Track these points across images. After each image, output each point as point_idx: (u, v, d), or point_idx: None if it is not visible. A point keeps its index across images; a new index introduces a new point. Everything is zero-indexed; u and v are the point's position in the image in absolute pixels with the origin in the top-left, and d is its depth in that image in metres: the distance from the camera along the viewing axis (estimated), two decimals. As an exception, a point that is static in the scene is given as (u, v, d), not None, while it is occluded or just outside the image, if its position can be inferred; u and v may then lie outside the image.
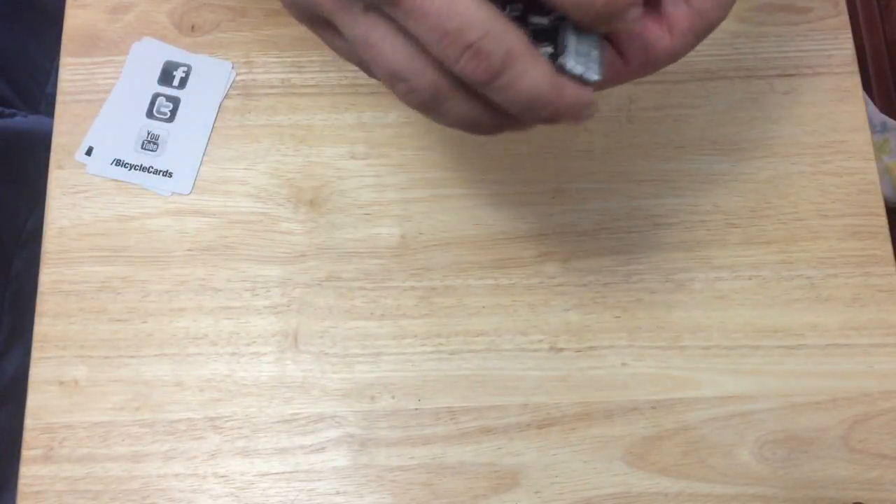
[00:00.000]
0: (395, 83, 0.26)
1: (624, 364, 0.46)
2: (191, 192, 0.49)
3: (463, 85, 0.26)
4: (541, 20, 0.27)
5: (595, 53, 0.27)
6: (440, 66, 0.25)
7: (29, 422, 0.45)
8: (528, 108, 0.26)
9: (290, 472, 0.44)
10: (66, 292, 0.47)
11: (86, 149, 0.50)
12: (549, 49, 0.27)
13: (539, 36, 0.27)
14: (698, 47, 0.49)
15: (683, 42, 0.31)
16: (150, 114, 0.50)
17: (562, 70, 0.27)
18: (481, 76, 0.25)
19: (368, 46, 0.25)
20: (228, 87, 0.51)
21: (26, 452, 0.45)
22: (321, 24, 0.27)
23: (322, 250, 0.48)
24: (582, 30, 0.27)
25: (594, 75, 0.27)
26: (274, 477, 0.44)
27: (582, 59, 0.27)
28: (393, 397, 0.46)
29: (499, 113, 0.27)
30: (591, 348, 0.46)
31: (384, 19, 0.25)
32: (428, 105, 0.26)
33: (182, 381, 0.46)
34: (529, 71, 0.25)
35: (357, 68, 0.29)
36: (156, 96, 0.51)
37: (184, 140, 0.50)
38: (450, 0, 0.24)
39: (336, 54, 0.29)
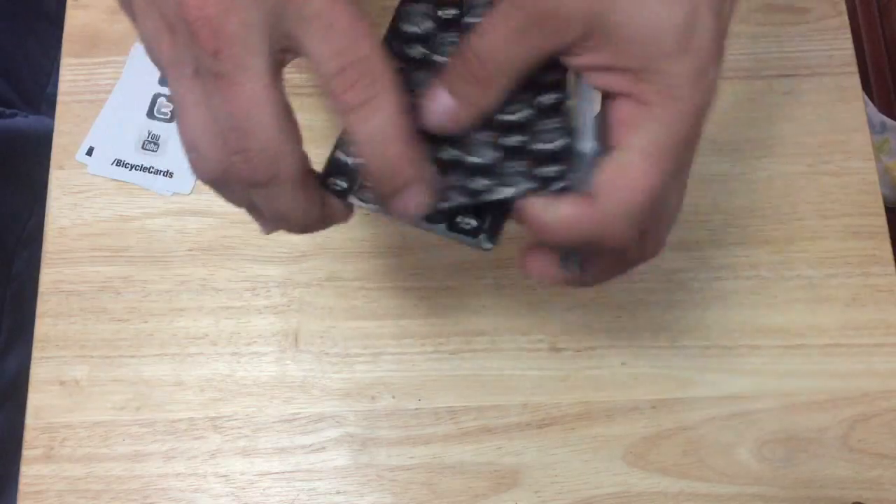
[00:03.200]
0: (189, 150, 0.27)
1: (624, 364, 0.46)
2: (191, 191, 0.49)
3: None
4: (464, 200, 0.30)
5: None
6: (233, 141, 0.26)
7: (30, 421, 0.45)
8: (275, 221, 0.29)
9: (291, 472, 0.44)
10: (66, 292, 0.47)
11: (86, 149, 0.50)
12: (343, 184, 0.30)
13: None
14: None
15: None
16: (150, 114, 0.50)
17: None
18: (241, 179, 0.27)
19: (181, 107, 0.27)
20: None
21: (27, 452, 0.45)
22: (161, 70, 0.28)
23: (322, 250, 0.48)
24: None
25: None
26: (274, 476, 0.44)
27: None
28: (393, 397, 0.46)
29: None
30: (591, 348, 0.46)
31: (203, 90, 0.26)
32: (210, 181, 0.28)
33: (182, 380, 0.46)
34: (284, 197, 0.27)
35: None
36: (156, 96, 0.51)
37: (184, 140, 0.50)
38: (254, 102, 0.25)
39: None
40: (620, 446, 0.45)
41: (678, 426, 0.45)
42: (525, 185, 0.29)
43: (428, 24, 0.32)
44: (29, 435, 0.45)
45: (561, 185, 0.29)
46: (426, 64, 0.31)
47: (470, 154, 0.30)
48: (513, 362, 0.46)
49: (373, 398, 0.46)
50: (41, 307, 0.47)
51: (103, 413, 0.45)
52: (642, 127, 0.28)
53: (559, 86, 0.30)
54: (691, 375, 0.46)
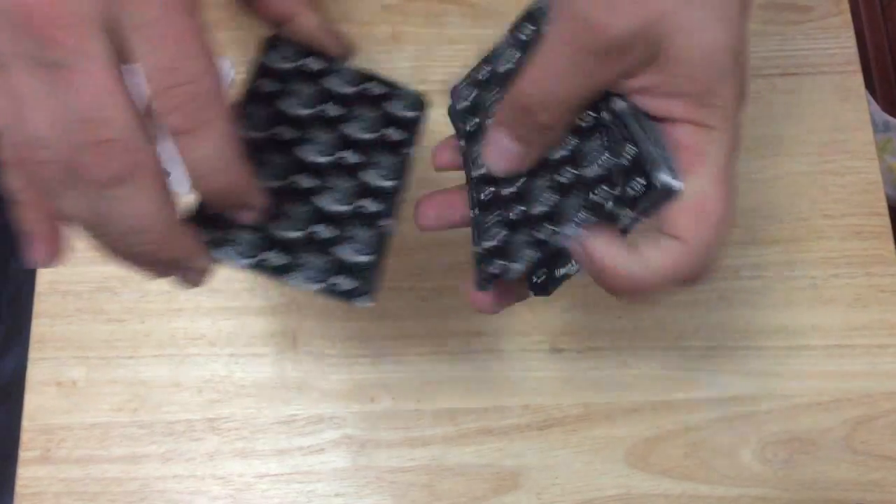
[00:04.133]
0: (32, 149, 0.24)
1: (625, 365, 0.46)
2: (189, 191, 0.49)
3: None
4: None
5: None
6: (83, 132, 0.24)
7: (26, 423, 0.45)
8: (127, 236, 0.25)
9: (289, 474, 0.44)
10: (63, 292, 0.47)
11: (84, 148, 0.49)
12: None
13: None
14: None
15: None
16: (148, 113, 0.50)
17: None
18: (98, 174, 0.24)
19: (22, 102, 0.24)
20: (227, 85, 0.50)
21: (24, 453, 0.44)
22: None
23: (321, 250, 0.48)
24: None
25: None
26: (273, 478, 0.44)
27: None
28: (393, 398, 0.45)
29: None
30: (593, 349, 0.46)
31: (45, 82, 0.23)
32: (52, 183, 0.24)
33: (180, 381, 0.46)
34: (144, 197, 0.25)
35: None
36: (154, 95, 0.50)
37: (182, 139, 0.49)
38: (107, 91, 0.23)
39: None
40: (622, 448, 0.45)
41: (680, 427, 0.45)
42: (584, 217, 0.28)
43: (289, 67, 0.33)
44: (26, 436, 0.45)
45: (627, 219, 0.28)
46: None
47: (533, 202, 0.30)
48: (513, 363, 0.46)
49: (372, 399, 0.45)
50: (38, 307, 0.47)
51: (100, 414, 0.45)
52: (710, 153, 0.27)
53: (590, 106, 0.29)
54: (693, 376, 0.46)
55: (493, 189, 0.31)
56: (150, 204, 0.25)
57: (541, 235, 0.29)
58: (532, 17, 0.31)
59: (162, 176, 0.25)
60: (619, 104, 0.28)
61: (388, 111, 0.34)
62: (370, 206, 0.32)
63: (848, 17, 0.52)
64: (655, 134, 0.27)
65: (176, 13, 0.24)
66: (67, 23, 0.23)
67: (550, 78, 0.27)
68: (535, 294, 0.31)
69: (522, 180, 0.30)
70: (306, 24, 0.33)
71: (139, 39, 0.24)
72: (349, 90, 0.33)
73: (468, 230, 0.34)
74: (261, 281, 0.47)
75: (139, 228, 0.25)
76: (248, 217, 0.28)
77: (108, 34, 0.23)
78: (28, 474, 0.44)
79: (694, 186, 0.28)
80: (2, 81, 0.24)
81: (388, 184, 0.32)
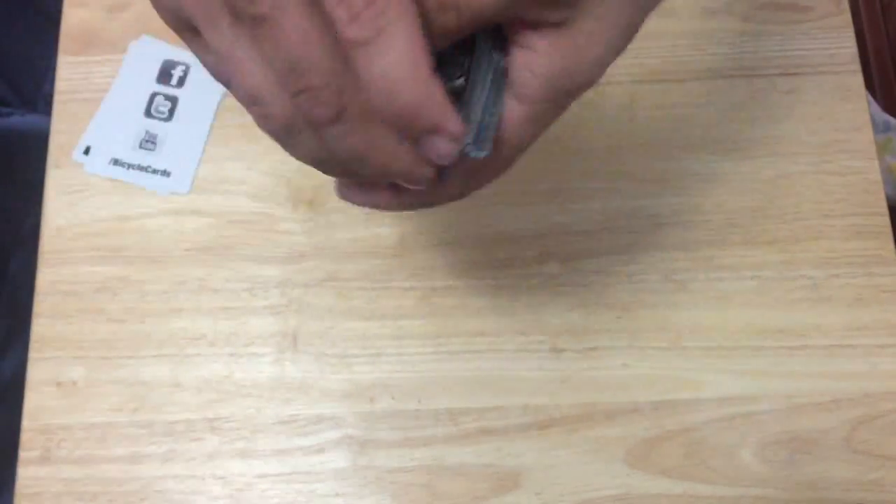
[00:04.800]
0: (251, 105, 0.25)
1: (625, 365, 0.46)
2: (189, 191, 0.49)
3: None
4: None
5: (492, 131, 0.27)
6: (294, 82, 0.24)
7: (26, 423, 0.45)
8: (353, 162, 0.25)
9: (289, 474, 0.44)
10: (63, 292, 0.47)
11: (83, 148, 0.49)
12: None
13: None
14: (700, 46, 0.49)
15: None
16: (148, 113, 0.50)
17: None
18: (313, 119, 0.24)
19: (230, 62, 0.24)
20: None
21: (24, 454, 0.44)
22: (191, 33, 0.26)
23: (321, 250, 0.48)
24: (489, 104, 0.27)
25: (482, 152, 0.27)
26: (273, 478, 0.44)
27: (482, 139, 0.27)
28: (393, 398, 0.45)
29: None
30: (592, 349, 0.46)
31: (249, 37, 0.23)
32: (281, 133, 0.25)
33: (180, 381, 0.45)
34: (357, 131, 0.24)
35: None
36: (154, 95, 0.50)
37: (182, 139, 0.49)
38: (304, 38, 0.23)
39: (204, 69, 0.28)
40: (622, 448, 0.45)
41: (680, 428, 0.45)
42: None
43: None
44: (26, 436, 0.45)
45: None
46: None
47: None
48: (513, 363, 0.46)
49: (372, 399, 0.45)
50: (38, 308, 0.47)
51: (100, 414, 0.45)
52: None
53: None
54: (693, 376, 0.46)
55: None
56: (369, 136, 0.24)
57: None
58: None
59: (370, 106, 0.24)
60: (494, 57, 0.26)
61: None
62: None
63: (848, 17, 0.52)
64: (497, 106, 0.26)
65: None
66: None
67: None
68: None
69: None
70: None
71: None
72: None
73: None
74: (261, 281, 0.47)
75: (360, 159, 0.25)
76: (446, 148, 0.25)
77: None
78: (28, 474, 0.44)
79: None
80: (215, 37, 0.24)
81: None
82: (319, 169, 0.27)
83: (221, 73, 0.26)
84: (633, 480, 0.44)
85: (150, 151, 0.49)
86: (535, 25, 0.26)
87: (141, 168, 0.49)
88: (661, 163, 0.49)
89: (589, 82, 0.27)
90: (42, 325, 0.46)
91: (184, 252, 0.48)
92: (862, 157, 0.49)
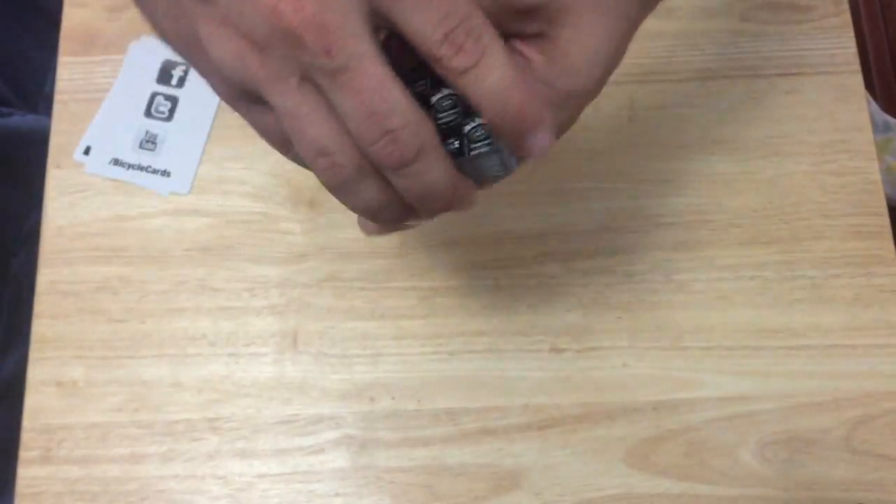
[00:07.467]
0: (318, 157, 0.27)
1: (625, 365, 0.46)
2: (189, 191, 0.49)
3: (379, 170, 0.27)
4: (448, 117, 0.28)
5: (502, 153, 0.29)
6: (372, 127, 0.26)
7: (27, 423, 0.45)
8: (426, 198, 0.28)
9: (289, 474, 0.44)
10: (63, 292, 0.47)
11: (84, 148, 0.49)
12: (455, 145, 0.28)
13: (444, 130, 0.28)
14: (700, 46, 0.49)
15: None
16: (148, 113, 0.50)
17: (470, 164, 0.28)
18: (393, 162, 0.26)
19: (297, 118, 0.26)
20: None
21: (24, 453, 0.44)
22: (249, 100, 0.27)
23: (321, 250, 0.48)
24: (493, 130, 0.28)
25: (502, 172, 0.29)
26: (273, 478, 0.44)
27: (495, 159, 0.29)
28: (392, 398, 0.45)
29: (403, 203, 0.28)
30: (593, 349, 0.46)
31: (316, 93, 0.25)
32: (346, 183, 0.27)
33: (180, 381, 0.46)
34: (435, 167, 0.27)
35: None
36: (154, 95, 0.50)
37: (182, 139, 0.49)
38: (381, 84, 0.25)
39: (260, 136, 0.29)
40: (622, 448, 0.45)
41: (680, 427, 0.45)
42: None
43: None
44: (26, 436, 0.45)
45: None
46: None
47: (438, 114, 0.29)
48: (513, 363, 0.46)
49: (372, 399, 0.45)
50: (38, 307, 0.47)
51: (101, 414, 0.45)
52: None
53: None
54: (693, 376, 0.46)
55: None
56: (443, 167, 0.27)
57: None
58: None
59: (441, 148, 0.27)
60: None
61: None
62: None
63: (848, 17, 0.52)
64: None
65: None
66: (340, 27, 0.24)
67: None
68: (456, 159, 0.29)
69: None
70: None
71: (403, 7, 0.25)
72: None
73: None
74: (261, 281, 0.47)
75: (433, 195, 0.28)
76: (544, 140, 0.28)
77: (370, 19, 0.25)
78: (28, 474, 0.44)
79: None
80: (282, 96, 0.26)
81: None
82: (373, 217, 0.29)
83: (279, 137, 0.27)
84: (633, 480, 0.44)
85: (151, 151, 0.49)
86: (520, 37, 0.28)
87: (141, 168, 0.49)
88: (661, 163, 0.49)
89: (587, 87, 0.29)
90: (42, 325, 0.46)
91: (184, 252, 0.48)
92: (862, 157, 0.49)
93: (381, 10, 0.25)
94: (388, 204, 0.28)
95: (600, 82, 0.29)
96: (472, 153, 0.28)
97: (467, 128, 0.28)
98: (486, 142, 0.28)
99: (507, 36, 0.28)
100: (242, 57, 0.25)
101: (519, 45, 0.28)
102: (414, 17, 0.25)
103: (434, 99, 0.28)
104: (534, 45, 0.28)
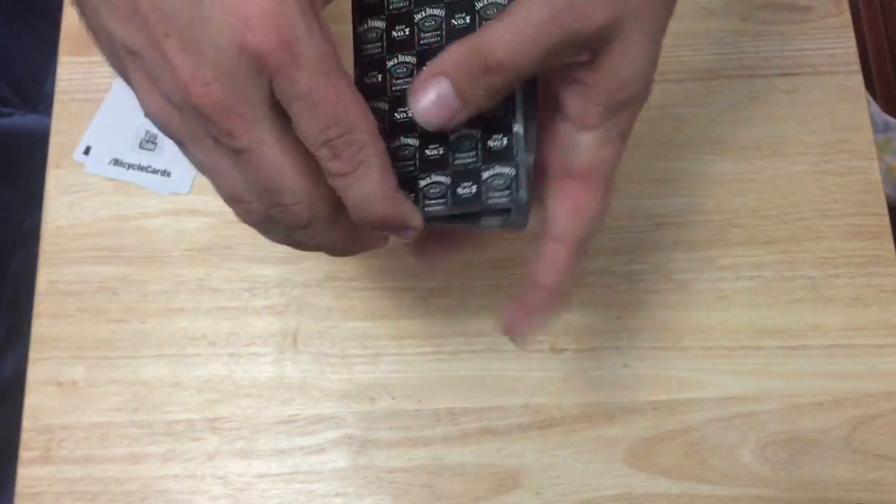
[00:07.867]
0: (233, 203, 0.30)
1: (625, 365, 0.46)
2: (189, 191, 0.49)
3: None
4: (466, 159, 0.30)
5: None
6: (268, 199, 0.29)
7: (27, 423, 0.45)
8: (323, 249, 0.31)
9: (289, 474, 0.44)
10: (63, 292, 0.47)
11: (84, 148, 0.49)
12: (472, 189, 0.30)
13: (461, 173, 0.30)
14: (700, 46, 0.49)
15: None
16: (148, 113, 0.50)
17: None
18: (288, 225, 0.29)
19: (214, 172, 0.29)
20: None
21: (24, 453, 0.44)
22: (176, 142, 0.30)
23: (321, 250, 0.48)
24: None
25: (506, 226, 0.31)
26: (273, 478, 0.44)
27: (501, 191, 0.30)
28: (392, 398, 0.45)
29: (310, 243, 0.31)
30: (593, 349, 0.46)
31: (229, 158, 0.28)
32: (259, 224, 0.31)
33: (180, 381, 0.46)
34: (325, 233, 0.30)
35: None
36: (154, 95, 0.50)
37: (182, 139, 0.49)
38: (276, 166, 0.27)
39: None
40: (622, 448, 0.45)
41: (680, 427, 0.45)
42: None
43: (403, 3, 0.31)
44: (26, 436, 0.45)
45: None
46: (407, 45, 0.31)
47: (457, 153, 0.30)
48: (513, 363, 0.46)
49: (372, 399, 0.45)
50: (38, 307, 0.47)
51: (101, 414, 0.45)
52: (601, 171, 0.32)
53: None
54: (693, 376, 0.46)
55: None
56: (331, 235, 0.30)
57: (462, 192, 0.30)
58: None
59: (339, 211, 0.29)
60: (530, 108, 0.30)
61: None
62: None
63: (848, 17, 0.52)
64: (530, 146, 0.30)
65: (324, 81, 0.26)
66: (243, 114, 0.26)
67: (524, 45, 0.28)
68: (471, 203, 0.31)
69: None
70: None
71: (295, 109, 0.27)
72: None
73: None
74: (261, 281, 0.47)
75: (327, 249, 0.32)
76: (409, 236, 0.31)
77: (274, 107, 0.27)
78: (28, 474, 0.44)
79: (578, 192, 0.32)
80: (199, 152, 0.28)
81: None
82: (294, 247, 0.33)
83: (205, 175, 0.30)
84: (633, 480, 0.44)
85: (150, 151, 0.49)
86: (572, 67, 0.30)
87: (141, 168, 0.49)
88: (661, 163, 0.49)
89: (639, 93, 0.31)
90: (42, 325, 0.46)
91: (184, 252, 0.48)
92: (862, 157, 0.49)
93: (281, 100, 0.27)
94: (297, 243, 0.32)
95: (651, 83, 0.31)
96: (489, 201, 0.30)
97: (485, 175, 0.30)
98: (505, 192, 0.30)
99: (564, 69, 0.30)
100: (165, 111, 0.28)
101: (574, 74, 0.30)
102: (303, 118, 0.27)
103: (452, 137, 0.30)
104: (587, 69, 0.29)
